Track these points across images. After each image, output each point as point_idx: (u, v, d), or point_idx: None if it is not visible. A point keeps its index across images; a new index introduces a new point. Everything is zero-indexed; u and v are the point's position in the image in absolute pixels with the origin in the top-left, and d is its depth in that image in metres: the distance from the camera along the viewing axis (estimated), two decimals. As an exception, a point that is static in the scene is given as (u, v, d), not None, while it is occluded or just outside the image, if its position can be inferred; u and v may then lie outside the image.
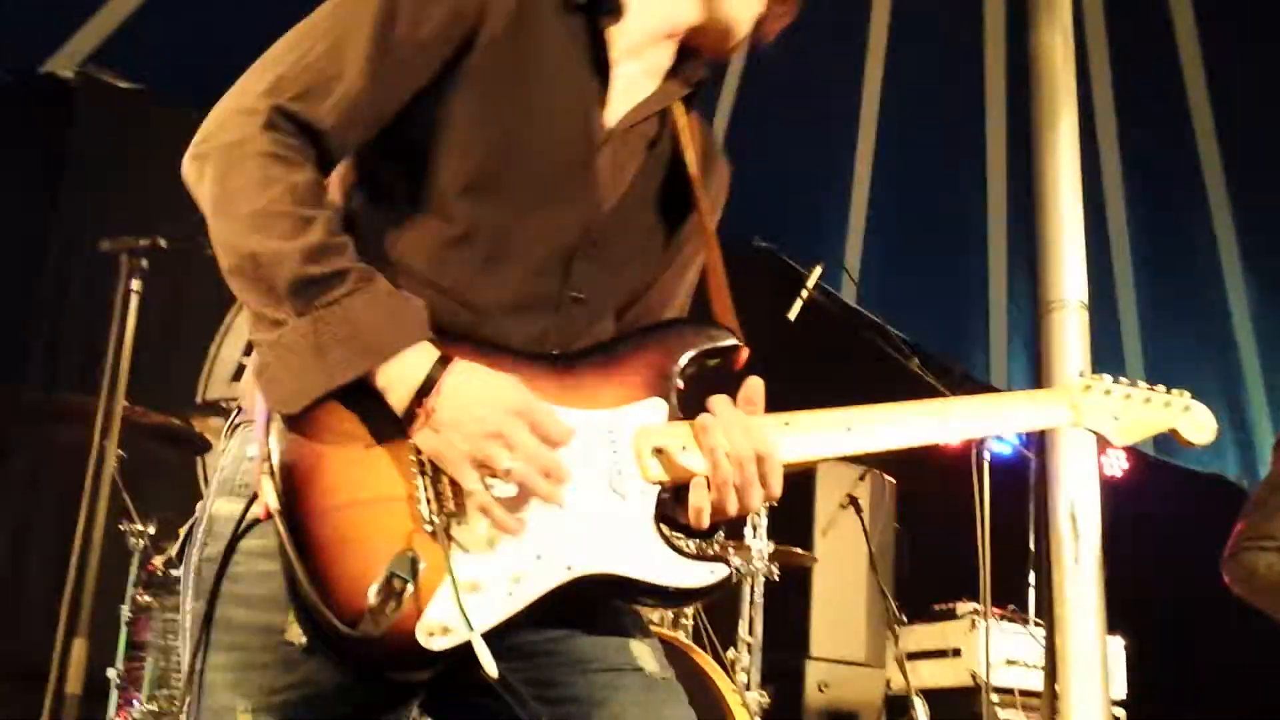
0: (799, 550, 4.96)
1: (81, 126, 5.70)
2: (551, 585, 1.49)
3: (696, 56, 1.79)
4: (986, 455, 5.20)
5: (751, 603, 4.63)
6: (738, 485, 1.54)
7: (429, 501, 1.46)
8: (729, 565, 1.59)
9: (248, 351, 5.75)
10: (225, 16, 5.54)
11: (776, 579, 4.65)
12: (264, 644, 1.48)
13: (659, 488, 1.56)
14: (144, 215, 4.31)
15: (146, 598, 4.26)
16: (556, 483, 1.47)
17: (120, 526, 4.35)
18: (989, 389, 7.74)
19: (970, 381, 7.39)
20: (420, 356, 1.45)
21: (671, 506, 1.60)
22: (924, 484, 6.83)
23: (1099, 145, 6.71)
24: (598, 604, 1.61)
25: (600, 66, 1.67)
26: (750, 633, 4.60)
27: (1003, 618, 5.56)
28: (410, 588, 1.39)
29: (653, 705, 1.59)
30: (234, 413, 1.64)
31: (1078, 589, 3.88)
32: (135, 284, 3.88)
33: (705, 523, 1.55)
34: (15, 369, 5.41)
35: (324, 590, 1.40)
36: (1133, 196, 7.09)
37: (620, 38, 1.70)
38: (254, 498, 1.48)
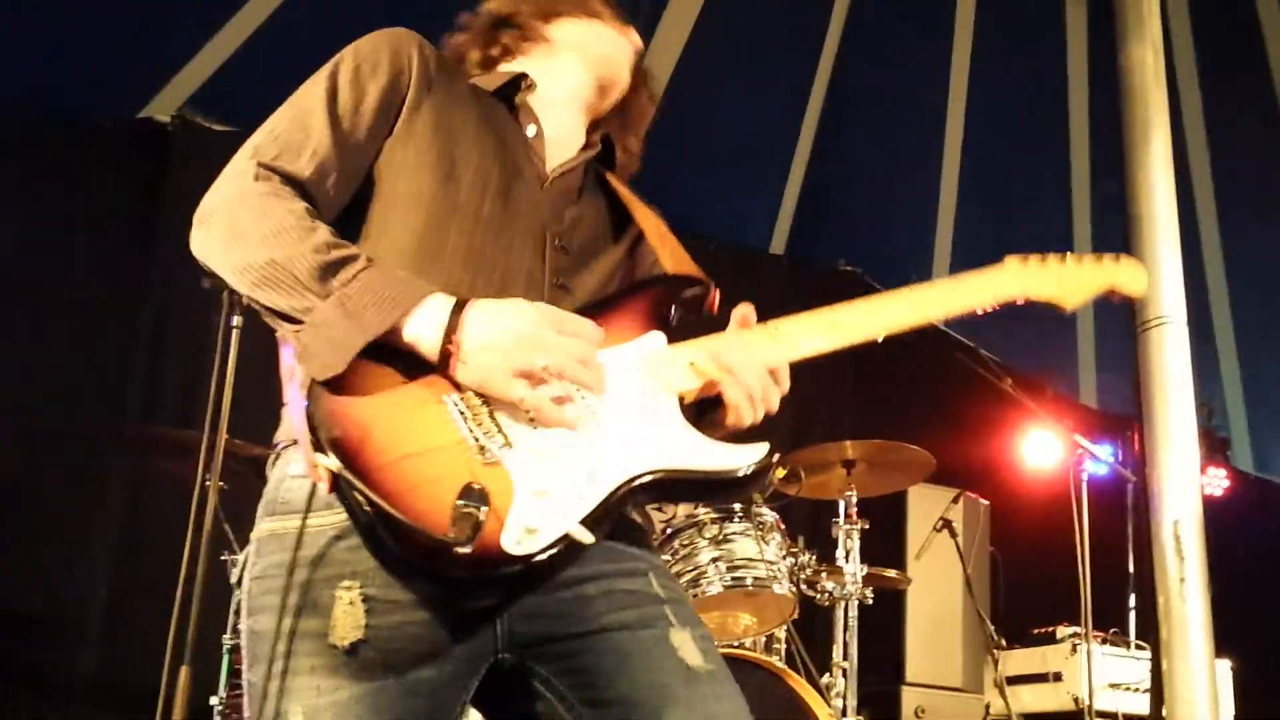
0: (892, 573, 4.90)
1: (177, 168, 5.85)
2: (613, 485, 1.57)
3: (597, 128, 2.07)
4: (1084, 475, 5.11)
5: (846, 627, 4.58)
6: (760, 393, 1.72)
7: (477, 439, 1.54)
8: (771, 446, 1.67)
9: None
10: (311, 61, 5.70)
11: (870, 603, 4.60)
12: (310, 649, 1.54)
13: (679, 399, 1.70)
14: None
15: (248, 626, 4.32)
16: (595, 370, 1.59)
17: (221, 557, 4.43)
18: (1081, 409, 7.62)
19: (1063, 401, 7.29)
20: (438, 304, 1.57)
21: (696, 420, 1.73)
22: (1017, 505, 6.75)
23: (1189, 160, 6.60)
24: (636, 598, 1.67)
25: (522, 132, 1.93)
26: (845, 657, 4.55)
27: (1104, 641, 5.45)
28: (483, 511, 1.45)
29: (698, 704, 1.62)
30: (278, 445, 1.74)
31: (1184, 610, 3.80)
32: (236, 320, 3.98)
33: (745, 420, 1.72)
34: (117, 404, 5.56)
35: (405, 519, 1.44)
36: (1225, 210, 6.95)
37: (537, 106, 1.97)
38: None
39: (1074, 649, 5.39)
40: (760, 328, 1.78)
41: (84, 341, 5.57)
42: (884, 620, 5.40)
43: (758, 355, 1.72)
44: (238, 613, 4.32)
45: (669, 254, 1.95)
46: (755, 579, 4.06)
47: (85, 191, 5.69)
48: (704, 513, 4.15)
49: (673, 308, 1.82)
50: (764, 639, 4.38)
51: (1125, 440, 6.35)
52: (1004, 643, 5.66)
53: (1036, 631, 5.75)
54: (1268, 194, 6.82)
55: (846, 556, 4.60)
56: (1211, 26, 6.24)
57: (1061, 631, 5.59)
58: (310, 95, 1.77)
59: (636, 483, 1.58)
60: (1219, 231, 6.97)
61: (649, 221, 1.99)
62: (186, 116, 5.91)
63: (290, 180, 1.68)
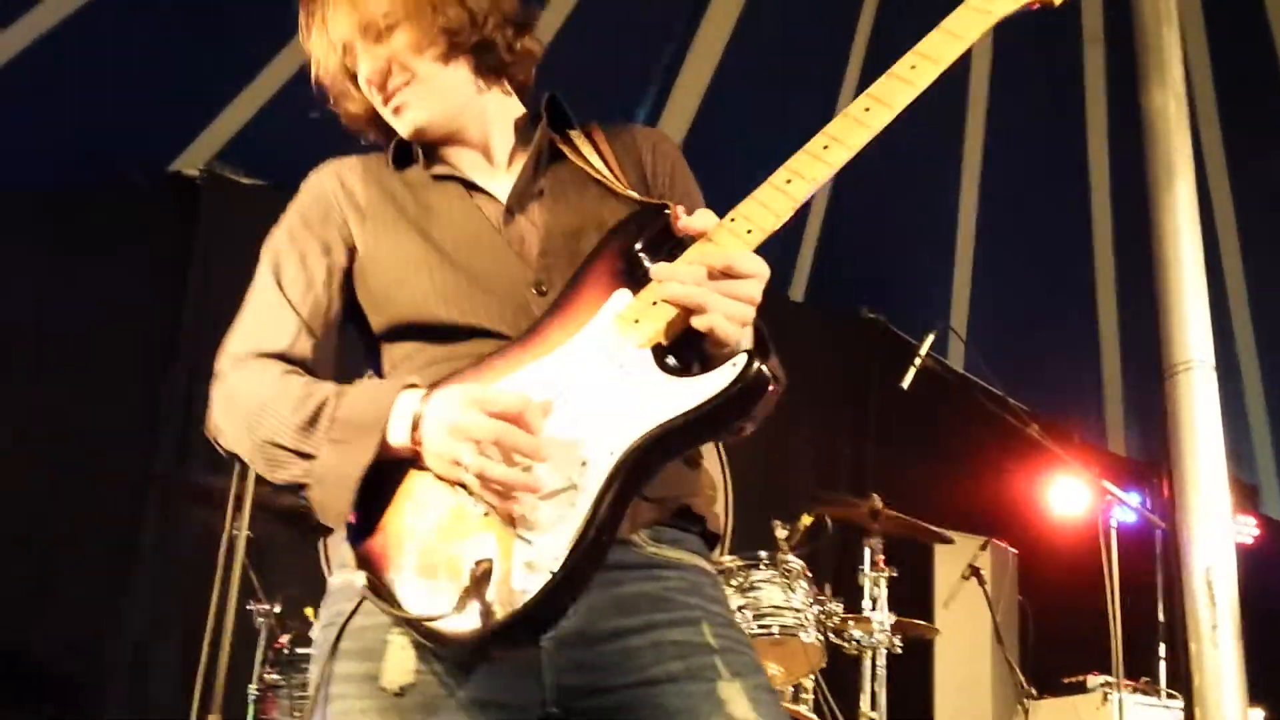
0: (920, 622, 4.87)
1: (207, 221, 5.93)
2: (605, 476, 1.53)
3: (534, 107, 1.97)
4: (1113, 522, 5.08)
5: (874, 676, 4.55)
6: (720, 297, 1.54)
7: (470, 494, 1.56)
8: (745, 353, 1.54)
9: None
10: (339, 118, 5.78)
11: (899, 652, 4.57)
12: (361, 691, 1.60)
13: (654, 349, 1.59)
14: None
15: (274, 675, 4.34)
16: (507, 446, 1.51)
17: (248, 606, 4.45)
18: (1108, 456, 7.58)
19: (1090, 448, 7.26)
20: (406, 404, 1.61)
21: (687, 352, 1.63)
22: (1044, 553, 6.70)
23: (1213, 203, 6.60)
24: (685, 648, 1.64)
25: (463, 184, 1.87)
26: (873, 708, 4.52)
27: (1135, 690, 5.38)
28: (491, 561, 1.48)
29: None
30: None
31: (1216, 658, 3.75)
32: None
33: (730, 337, 1.54)
34: (147, 453, 5.60)
35: (431, 613, 1.52)
36: (1249, 253, 6.94)
37: (461, 154, 1.91)
38: (360, 602, 1.65)
39: (1105, 698, 5.33)
40: (716, 227, 1.62)
41: (115, 392, 5.62)
42: (912, 669, 5.36)
43: (712, 262, 1.56)
44: (264, 662, 4.36)
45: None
46: (782, 627, 4.04)
47: (116, 244, 5.76)
48: (730, 560, 4.14)
49: (641, 247, 1.70)
50: (791, 688, 4.35)
51: (1153, 488, 6.31)
52: (1034, 692, 5.60)
53: (1067, 681, 5.69)
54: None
55: (874, 605, 4.57)
56: (1232, 69, 6.27)
57: (1092, 681, 5.53)
58: (259, 285, 1.84)
59: (629, 458, 1.53)
60: (1244, 276, 6.96)
61: (623, 182, 1.88)
62: (215, 170, 5.99)
63: (269, 357, 1.76)
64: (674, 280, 1.56)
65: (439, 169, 1.90)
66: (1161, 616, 5.98)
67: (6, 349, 5.40)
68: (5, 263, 5.41)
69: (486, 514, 1.54)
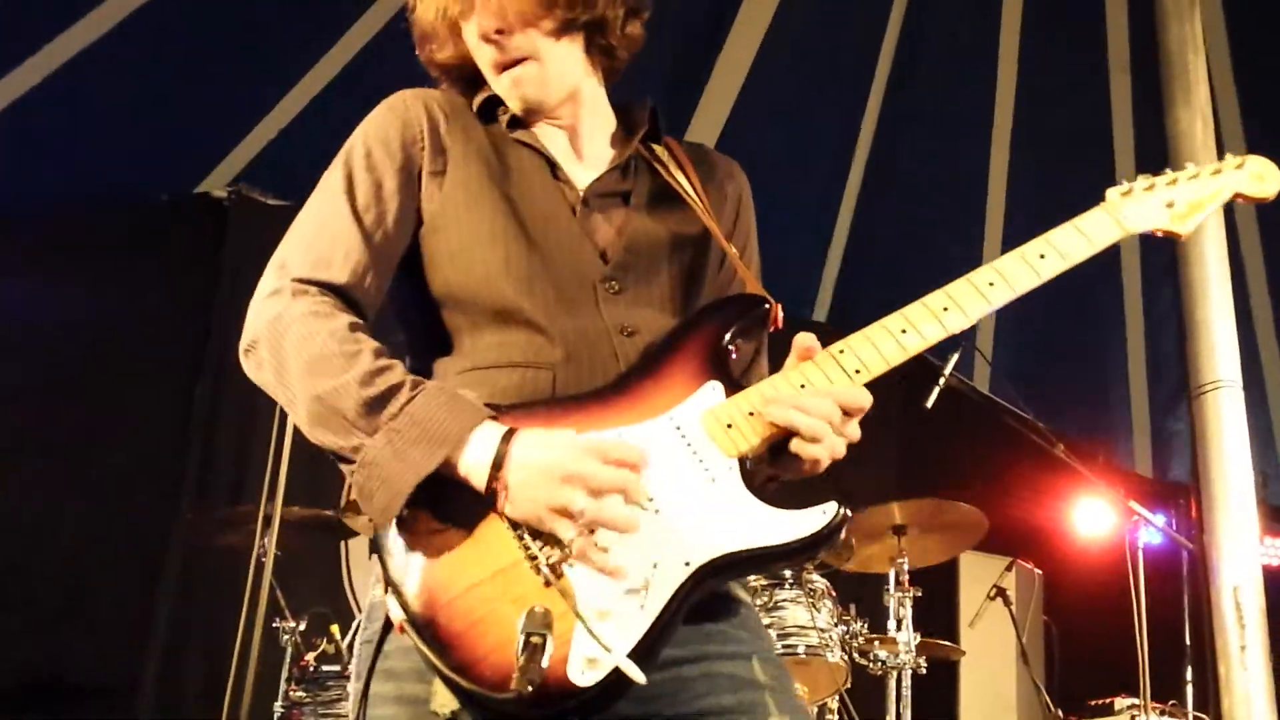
0: (945, 643, 4.85)
1: (234, 242, 5.99)
2: (676, 585, 1.52)
3: (635, 106, 1.95)
4: (1140, 544, 5.04)
5: (899, 697, 4.53)
6: (835, 439, 1.60)
7: (535, 556, 1.51)
8: (838, 501, 1.57)
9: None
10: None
11: (924, 672, 4.55)
12: (412, 714, 1.56)
13: (741, 461, 1.61)
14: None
15: (300, 692, 4.34)
16: (632, 500, 1.52)
17: (274, 624, 4.46)
18: (1133, 477, 7.53)
19: (1115, 469, 7.21)
20: (487, 436, 1.53)
21: (768, 469, 1.67)
22: (1069, 574, 6.66)
23: (1237, 225, 6.57)
24: (736, 682, 1.63)
25: (546, 160, 1.84)
26: (899, 728, 4.50)
27: (1162, 713, 5.34)
28: (549, 638, 1.42)
29: None
30: None
31: (1245, 679, 3.74)
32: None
33: (822, 464, 1.61)
34: (174, 472, 5.63)
35: (471, 671, 1.47)
36: (1275, 274, 6.91)
37: (548, 132, 1.88)
38: (388, 621, 1.58)
39: (1132, 720, 5.29)
40: (823, 355, 1.65)
41: (142, 412, 5.66)
42: (937, 690, 5.33)
43: (820, 394, 1.60)
44: (289, 680, 4.37)
45: (736, 264, 1.86)
46: (808, 647, 4.04)
47: (143, 266, 5.82)
48: (755, 579, 4.13)
49: (733, 336, 1.73)
50: (816, 708, 4.34)
51: (1179, 509, 6.28)
52: (1060, 714, 5.56)
53: (1093, 703, 5.65)
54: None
55: (899, 625, 4.55)
56: (1257, 90, 6.25)
57: (1119, 703, 5.48)
58: (330, 194, 1.75)
59: (701, 573, 1.53)
60: (1270, 297, 6.92)
61: (710, 215, 1.86)
62: (243, 191, 6.04)
63: (328, 289, 1.67)
64: (798, 409, 1.58)
65: (524, 136, 1.85)
66: (1188, 639, 5.93)
67: (34, 368, 5.44)
68: (32, 284, 5.47)
69: (548, 585, 1.49)
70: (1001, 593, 5.37)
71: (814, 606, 4.11)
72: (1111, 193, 1.80)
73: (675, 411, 1.63)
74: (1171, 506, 6.47)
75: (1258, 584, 3.87)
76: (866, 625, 4.44)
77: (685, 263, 1.85)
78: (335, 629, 4.57)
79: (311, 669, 4.38)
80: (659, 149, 1.92)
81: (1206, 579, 3.98)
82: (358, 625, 1.74)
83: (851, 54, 6.40)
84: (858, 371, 1.64)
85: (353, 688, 1.66)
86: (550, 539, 1.52)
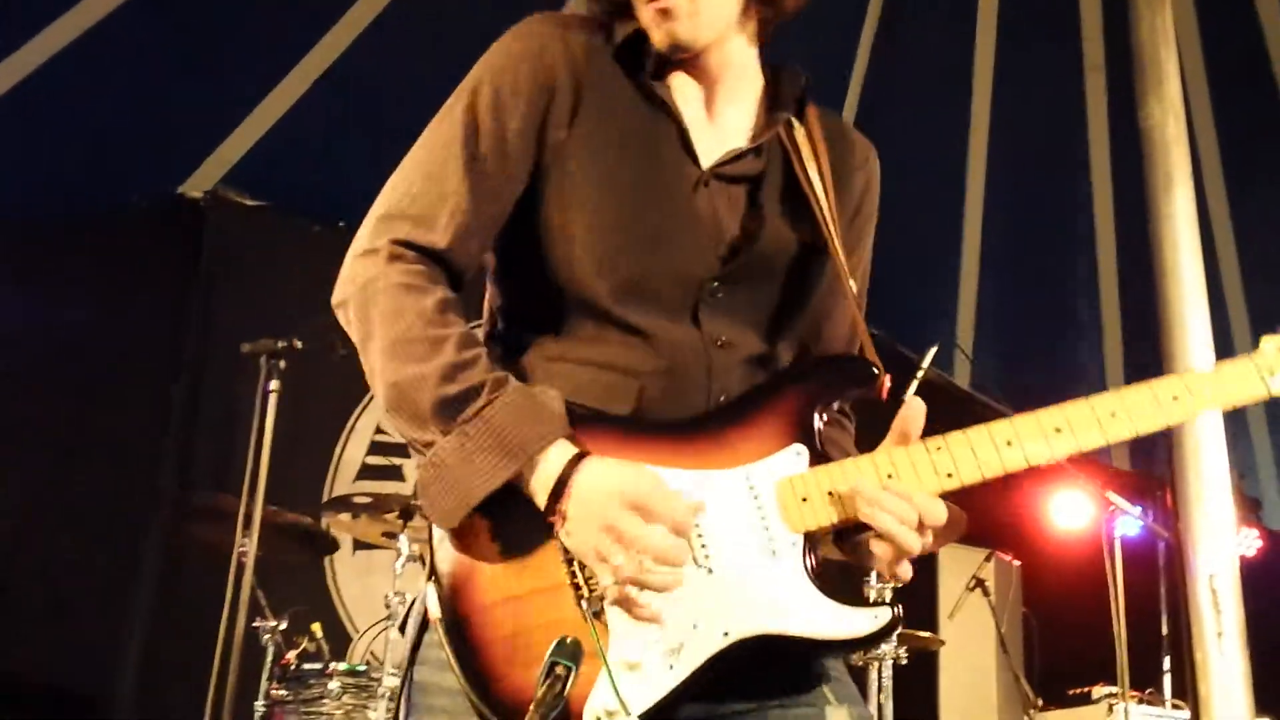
0: (926, 634, 4.88)
1: (211, 243, 5.98)
2: (711, 653, 1.48)
3: (789, 76, 1.78)
4: (1117, 535, 5.09)
5: (880, 688, 4.56)
6: (909, 545, 1.51)
7: (579, 587, 1.48)
8: (892, 609, 1.52)
9: (371, 451, 5.96)
10: (342, 139, 5.85)
11: (904, 663, 4.57)
12: (458, 706, 1.51)
13: (805, 538, 1.53)
14: (271, 321, 4.49)
15: (281, 691, 4.34)
16: (673, 567, 1.45)
17: (254, 623, 4.45)
18: (1109, 469, 7.58)
19: (1091, 461, 7.26)
20: (557, 456, 1.48)
21: (832, 550, 1.60)
22: (1047, 566, 6.71)
23: (1211, 215, 6.63)
24: (782, 672, 1.58)
25: (676, 123, 1.68)
26: (880, 718, 4.52)
27: (1140, 701, 5.39)
28: (573, 673, 1.36)
29: None
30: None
31: (1222, 664, 3.77)
32: (274, 384, 4.04)
33: (886, 573, 1.55)
34: (151, 473, 5.62)
35: (491, 687, 1.46)
36: (1247, 266, 6.97)
37: (686, 86, 1.71)
38: (426, 617, 1.56)
39: (1110, 709, 5.33)
40: (919, 447, 1.55)
41: (119, 412, 5.64)
42: (918, 681, 5.36)
43: (911, 495, 1.50)
44: (270, 678, 4.36)
45: (851, 306, 1.72)
46: (789, 638, 4.04)
47: (121, 266, 5.80)
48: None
49: (833, 399, 1.63)
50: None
51: (1155, 501, 6.32)
52: (1040, 703, 5.61)
53: (1072, 692, 5.70)
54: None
55: (877, 600, 4.57)
56: (1229, 83, 6.31)
57: (1097, 692, 5.54)
58: (445, 136, 1.62)
59: (738, 647, 1.49)
60: (1243, 288, 6.98)
61: (837, 231, 1.71)
62: (220, 193, 6.03)
63: (426, 253, 1.58)
64: (881, 509, 1.50)
65: (661, 90, 1.68)
66: (1165, 628, 5.98)
67: (10, 369, 5.41)
68: (7, 286, 5.44)
69: (585, 619, 1.46)
70: (980, 584, 5.41)
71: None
72: (1267, 343, 1.63)
73: (753, 469, 1.56)
74: (1148, 498, 6.51)
75: (1233, 571, 3.90)
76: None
77: (797, 275, 1.73)
78: (317, 627, 4.57)
79: (293, 667, 4.38)
80: (798, 128, 1.74)
81: (1183, 568, 4.01)
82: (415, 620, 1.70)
83: (826, 58, 6.43)
84: (949, 475, 1.54)
85: (410, 671, 1.62)
86: (593, 576, 1.48)
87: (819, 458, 1.57)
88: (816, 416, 1.59)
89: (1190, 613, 3.91)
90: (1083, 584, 5.40)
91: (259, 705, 4.35)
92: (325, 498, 5.66)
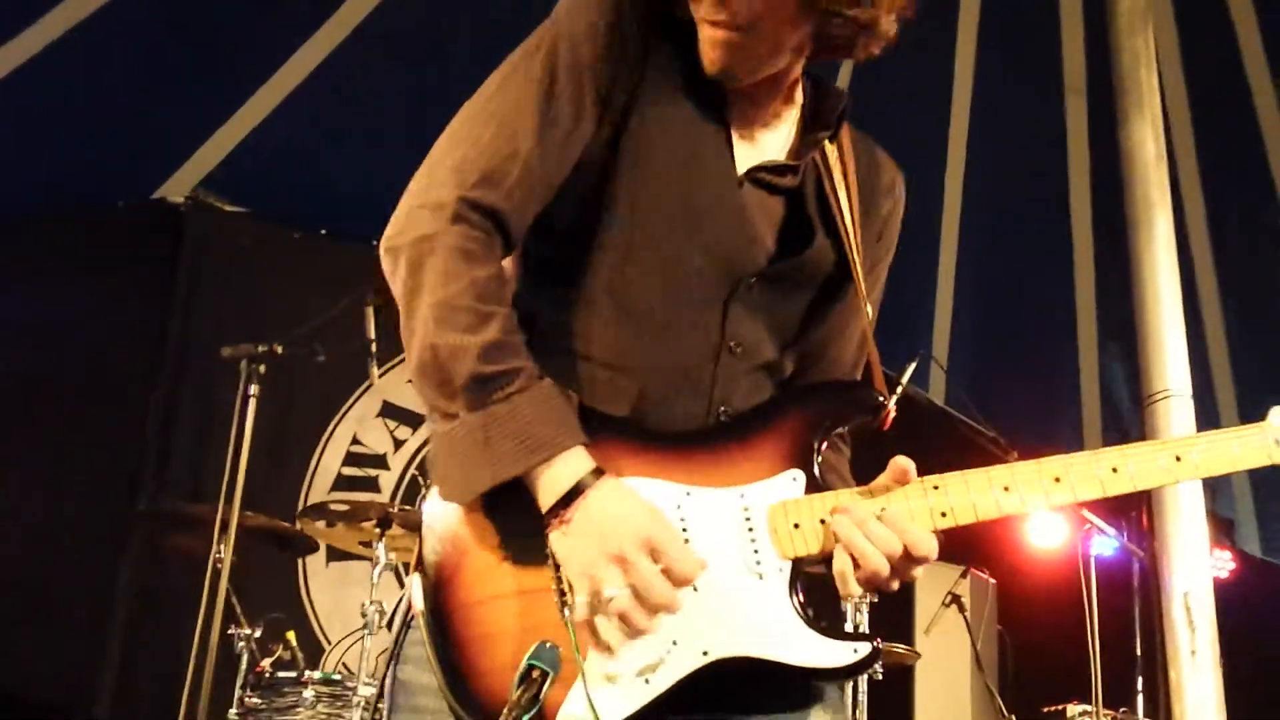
0: (902, 648, 4.89)
1: (190, 248, 5.96)
2: (687, 671, 1.49)
3: (829, 94, 1.76)
4: (1092, 554, 5.11)
5: (855, 703, 4.56)
6: (888, 575, 1.51)
7: (564, 594, 1.47)
8: (872, 642, 1.53)
9: (346, 463, 5.94)
10: (321, 148, 5.85)
11: (880, 677, 4.58)
12: (440, 705, 1.51)
13: (793, 564, 1.53)
14: (250, 328, 4.48)
15: (255, 699, 4.31)
16: (661, 612, 1.45)
17: (229, 631, 4.42)
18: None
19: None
20: (576, 462, 1.48)
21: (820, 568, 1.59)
22: (1022, 584, 6.73)
23: (1189, 236, 6.68)
24: (764, 688, 1.58)
25: (723, 123, 1.68)
26: (855, 733, 4.53)
27: (1114, 719, 5.41)
28: (549, 680, 1.38)
29: None
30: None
31: (1196, 682, 3.79)
32: (254, 389, 4.03)
33: (854, 596, 1.54)
34: (128, 477, 5.58)
35: (465, 684, 1.46)
36: (1225, 285, 7.02)
37: (739, 98, 1.70)
38: (410, 616, 1.57)
39: (1084, 727, 5.35)
40: (916, 486, 1.56)
41: (96, 419, 5.60)
42: (894, 695, 5.36)
43: (901, 529, 1.50)
44: (245, 686, 4.34)
45: (867, 336, 1.74)
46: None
47: (99, 271, 5.77)
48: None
49: (834, 424, 1.63)
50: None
51: (1130, 521, 6.36)
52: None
53: (1046, 710, 5.71)
54: (1268, 271, 6.91)
55: (856, 630, 4.57)
56: (1209, 105, 6.37)
57: (1071, 710, 5.54)
58: (521, 90, 1.59)
59: (715, 667, 1.49)
60: (1220, 308, 7.03)
61: (860, 255, 1.72)
62: (199, 198, 6.00)
63: (490, 214, 1.54)
64: (866, 537, 1.50)
65: (713, 92, 1.67)
66: (1139, 647, 6.01)
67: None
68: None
69: (565, 624, 1.45)
70: (956, 600, 5.42)
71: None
72: (1276, 415, 1.62)
73: (749, 490, 1.57)
74: (1122, 519, 6.55)
75: (1207, 590, 3.93)
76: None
77: (819, 290, 1.73)
78: (291, 635, 4.54)
79: (268, 675, 4.35)
80: (831, 148, 1.75)
81: (1158, 586, 4.04)
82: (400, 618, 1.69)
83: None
84: (944, 515, 1.55)
85: (392, 670, 1.63)
86: None
87: (815, 484, 1.58)
88: (816, 442, 1.60)
89: (1164, 631, 3.94)
90: (1057, 602, 5.42)
91: (233, 714, 4.31)
92: (301, 505, 5.64)
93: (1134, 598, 6.03)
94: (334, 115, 5.87)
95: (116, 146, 5.71)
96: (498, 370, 1.47)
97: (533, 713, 1.37)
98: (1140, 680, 5.93)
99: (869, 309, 1.74)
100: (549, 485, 1.47)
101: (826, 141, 1.74)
